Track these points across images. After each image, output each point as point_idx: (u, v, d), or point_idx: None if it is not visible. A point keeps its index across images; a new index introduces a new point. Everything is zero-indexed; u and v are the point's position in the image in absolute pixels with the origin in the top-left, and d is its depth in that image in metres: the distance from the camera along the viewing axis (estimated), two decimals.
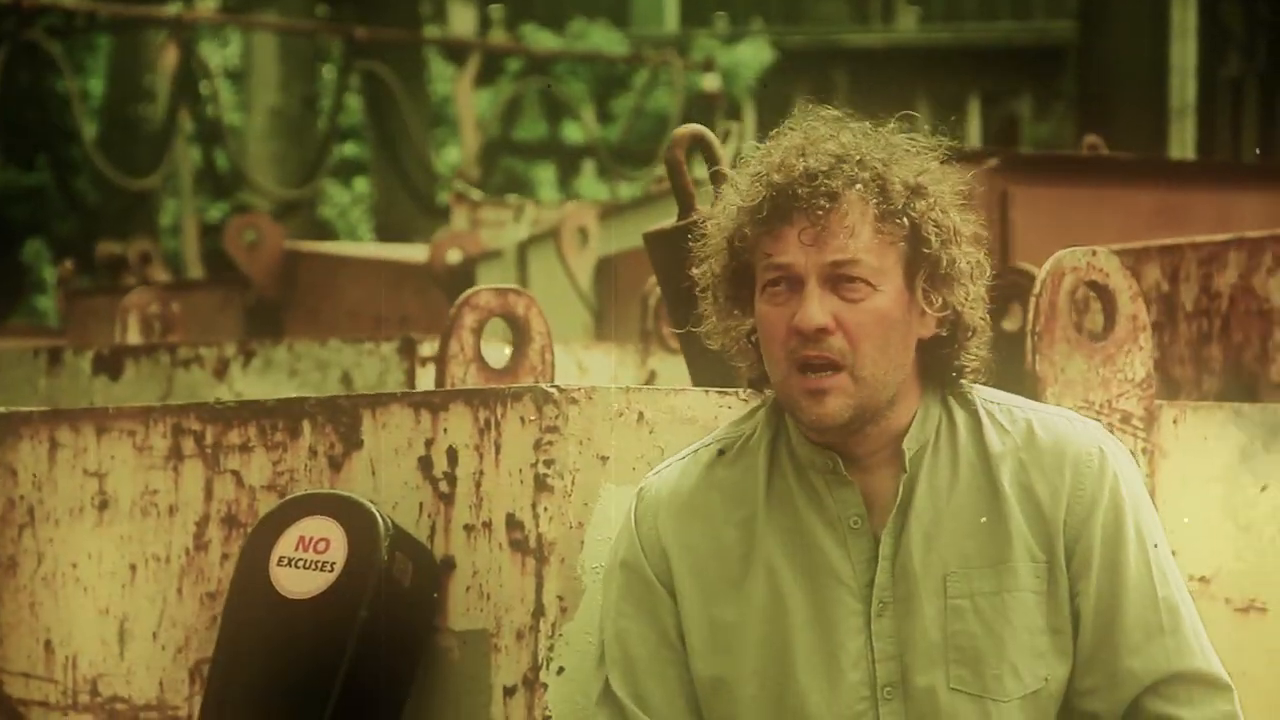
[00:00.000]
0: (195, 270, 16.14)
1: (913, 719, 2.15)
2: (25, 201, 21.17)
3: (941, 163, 2.15)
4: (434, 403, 2.40)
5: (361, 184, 22.23)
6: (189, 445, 2.59)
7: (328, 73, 20.14)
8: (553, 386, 2.32)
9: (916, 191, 2.11)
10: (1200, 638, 2.17)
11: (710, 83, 17.36)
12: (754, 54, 23.61)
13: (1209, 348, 3.60)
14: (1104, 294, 2.60)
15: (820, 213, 2.07)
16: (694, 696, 2.19)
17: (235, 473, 2.55)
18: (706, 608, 2.16)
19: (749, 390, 2.23)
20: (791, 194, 2.08)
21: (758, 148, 2.19)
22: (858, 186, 2.09)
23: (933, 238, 2.11)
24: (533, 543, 2.27)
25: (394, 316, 7.36)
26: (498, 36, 21.40)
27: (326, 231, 20.88)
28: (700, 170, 2.84)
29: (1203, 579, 2.65)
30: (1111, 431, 2.58)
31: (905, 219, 2.10)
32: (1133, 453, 2.59)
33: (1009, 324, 3.32)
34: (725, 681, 2.15)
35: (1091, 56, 16.17)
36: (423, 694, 2.37)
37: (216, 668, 2.38)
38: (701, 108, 16.46)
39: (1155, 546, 2.18)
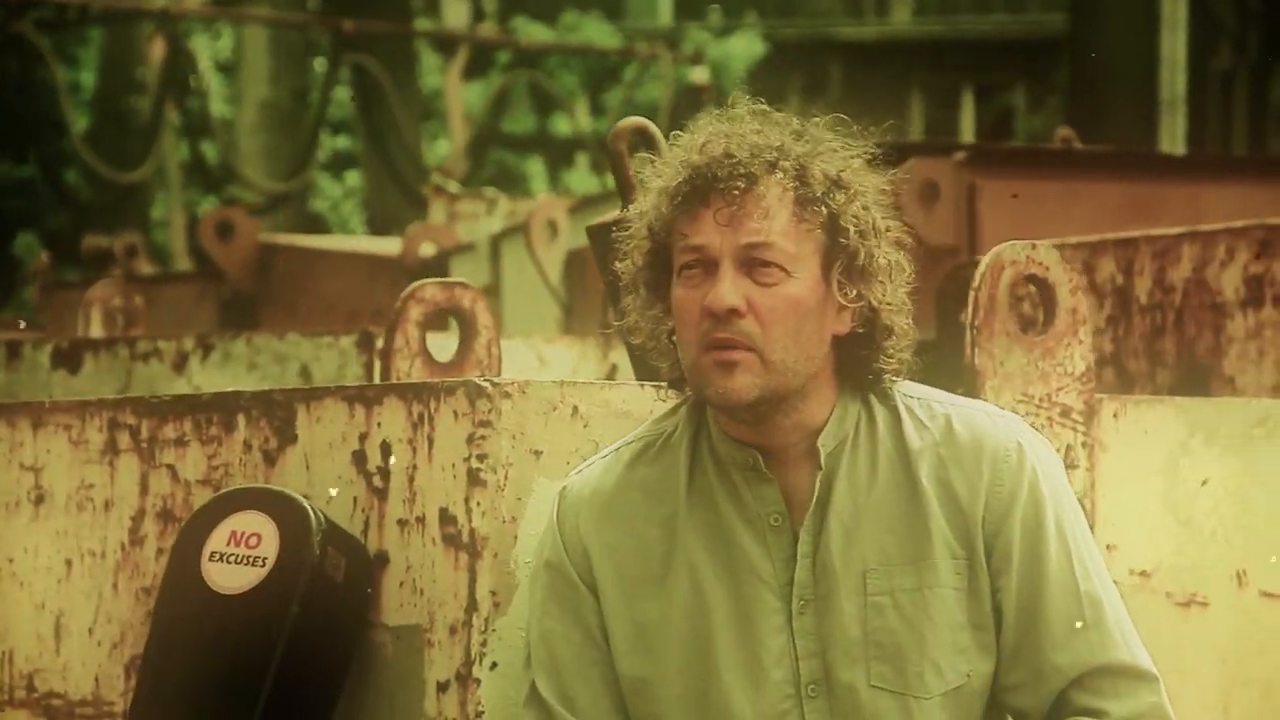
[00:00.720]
0: (184, 263, 16.23)
1: (837, 716, 2.17)
2: (17, 194, 21.28)
3: (869, 162, 2.18)
4: (367, 397, 2.41)
5: (353, 177, 22.34)
6: (124, 439, 2.59)
7: (319, 66, 20.22)
8: (486, 380, 2.33)
9: (837, 183, 2.15)
10: (1124, 630, 2.19)
11: (699, 75, 17.47)
12: (745, 47, 23.76)
13: (1162, 341, 3.64)
14: (1044, 287, 2.60)
15: (736, 193, 2.10)
16: (620, 696, 2.21)
17: (170, 467, 2.56)
18: (629, 607, 2.19)
19: (670, 390, 2.26)
20: (709, 175, 2.11)
21: (680, 135, 2.20)
22: (777, 173, 2.12)
23: (851, 229, 2.14)
24: (466, 538, 2.28)
25: (368, 310, 7.42)
26: (489, 29, 21.49)
27: (318, 224, 21.00)
28: None
29: (1143, 573, 2.67)
30: (1050, 425, 2.61)
31: (824, 208, 2.13)
32: (1072, 447, 2.63)
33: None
34: (649, 681, 2.18)
35: (1082, 49, 16.26)
36: (356, 689, 2.38)
37: (148, 663, 2.39)
38: (690, 101, 16.54)
39: (1076, 540, 2.21)
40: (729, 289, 2.09)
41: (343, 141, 22.58)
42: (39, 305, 9.89)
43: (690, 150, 2.14)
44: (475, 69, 19.71)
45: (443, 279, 2.97)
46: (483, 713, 2.29)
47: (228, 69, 21.85)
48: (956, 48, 27.95)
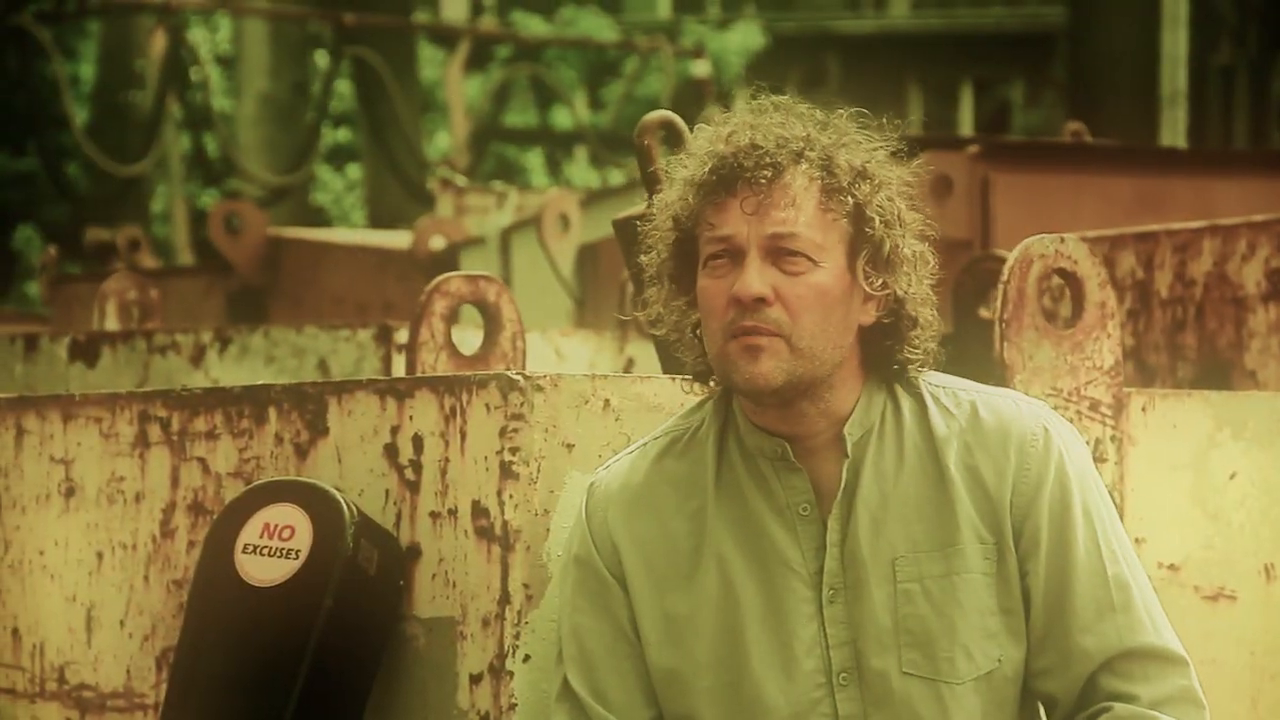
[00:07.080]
0: (185, 256, 16.21)
1: (869, 704, 2.20)
2: (16, 187, 21.29)
3: (892, 155, 2.20)
4: (399, 390, 2.42)
5: (354, 170, 22.36)
6: (155, 432, 2.60)
7: (319, 59, 20.22)
8: (519, 374, 2.34)
9: (862, 174, 2.17)
10: (1153, 613, 2.22)
11: (700, 69, 17.47)
12: (743, 40, 23.77)
13: (1183, 335, 3.66)
14: (1072, 281, 2.62)
15: (763, 183, 2.12)
16: (651, 689, 2.23)
17: (202, 460, 2.57)
18: (659, 600, 2.21)
19: (695, 384, 2.27)
20: (736, 165, 2.13)
21: (704, 127, 2.23)
22: (803, 163, 2.14)
23: (876, 219, 2.16)
24: (499, 530, 2.30)
25: (377, 303, 7.44)
26: (489, 23, 21.49)
27: (319, 217, 20.99)
28: None
29: (1172, 567, 2.70)
30: (1080, 419, 2.63)
31: (850, 198, 2.15)
32: (1100, 440, 2.65)
33: (987, 312, 3.35)
34: (680, 673, 2.20)
35: (1081, 43, 16.30)
36: (389, 682, 2.40)
37: (181, 655, 2.41)
38: (691, 94, 16.54)
39: (1104, 523, 2.24)
40: (755, 278, 2.11)
41: (343, 135, 22.61)
42: (46, 298, 9.89)
43: (716, 141, 2.16)
44: (475, 63, 19.73)
45: (468, 272, 2.97)
46: (516, 705, 2.29)
47: (227, 62, 21.85)
48: (954, 41, 28.00)
